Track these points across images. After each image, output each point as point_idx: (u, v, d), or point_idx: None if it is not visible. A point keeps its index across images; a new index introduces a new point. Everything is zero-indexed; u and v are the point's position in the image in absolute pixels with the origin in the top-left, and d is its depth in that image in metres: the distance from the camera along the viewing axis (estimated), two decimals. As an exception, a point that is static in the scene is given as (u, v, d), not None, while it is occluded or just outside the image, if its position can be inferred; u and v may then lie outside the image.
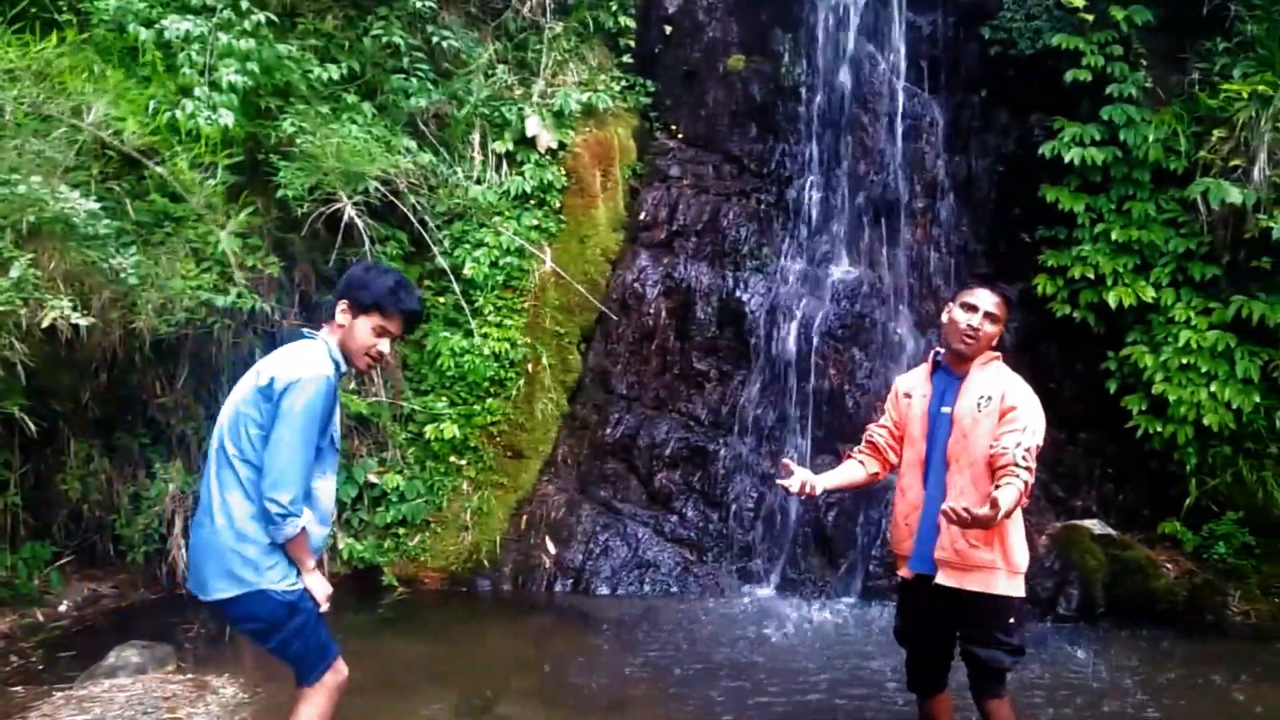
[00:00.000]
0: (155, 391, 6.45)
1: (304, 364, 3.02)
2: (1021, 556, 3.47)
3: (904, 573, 3.69)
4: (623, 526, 6.83)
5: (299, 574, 3.14)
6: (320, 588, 3.17)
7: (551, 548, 6.79)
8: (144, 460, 6.56)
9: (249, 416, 3.03)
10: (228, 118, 5.57)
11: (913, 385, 3.73)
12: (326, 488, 3.20)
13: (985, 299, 3.54)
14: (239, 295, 5.73)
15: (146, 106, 5.41)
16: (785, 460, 3.76)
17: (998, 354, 3.62)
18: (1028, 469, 3.22)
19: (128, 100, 5.40)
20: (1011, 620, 3.47)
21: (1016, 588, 3.47)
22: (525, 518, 6.93)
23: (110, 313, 5.50)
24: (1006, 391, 3.44)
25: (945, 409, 3.55)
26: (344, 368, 3.19)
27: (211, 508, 3.08)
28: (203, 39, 5.73)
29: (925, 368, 3.71)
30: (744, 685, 5.02)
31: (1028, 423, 3.35)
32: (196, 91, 5.60)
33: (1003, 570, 3.44)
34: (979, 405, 3.45)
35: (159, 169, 5.44)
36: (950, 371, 3.60)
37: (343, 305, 3.14)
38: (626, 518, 6.88)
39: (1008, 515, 3.16)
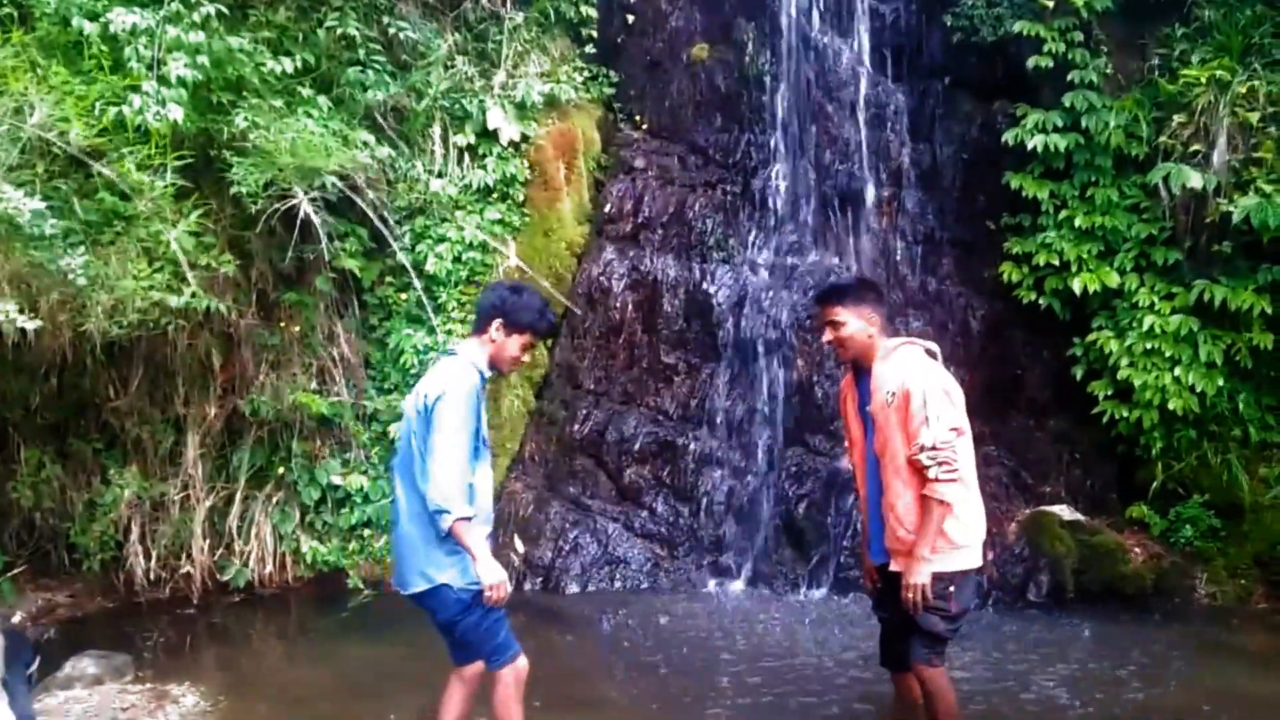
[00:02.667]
0: (108, 395, 6.32)
1: (449, 379, 3.40)
2: (960, 532, 3.57)
3: (873, 562, 3.87)
4: (592, 523, 6.77)
5: (468, 568, 3.38)
6: (489, 574, 3.30)
7: (520, 546, 6.71)
8: (98, 466, 6.44)
9: (416, 430, 3.45)
10: (177, 113, 5.42)
11: (847, 389, 3.97)
12: (483, 480, 3.50)
13: (822, 314, 3.78)
14: (193, 295, 5.59)
15: (93, 106, 5.25)
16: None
17: (902, 340, 3.74)
18: (940, 464, 3.42)
19: (73, 98, 5.24)
20: (950, 588, 3.57)
21: (957, 561, 3.58)
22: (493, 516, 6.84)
23: (59, 315, 5.37)
24: (904, 383, 3.54)
25: (867, 408, 3.74)
26: (488, 375, 3.57)
27: (399, 510, 3.52)
28: (150, 32, 5.56)
29: (850, 372, 3.94)
30: (714, 680, 4.98)
31: (928, 412, 3.47)
32: (145, 86, 5.45)
33: (943, 546, 3.55)
34: (887, 402, 3.59)
35: (105, 170, 5.28)
36: (863, 371, 3.78)
37: (498, 323, 3.52)
38: (596, 514, 6.81)
39: (927, 543, 3.49)
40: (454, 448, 3.30)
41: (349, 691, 4.83)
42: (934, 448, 3.43)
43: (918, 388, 3.50)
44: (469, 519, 3.28)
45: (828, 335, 3.76)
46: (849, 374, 3.92)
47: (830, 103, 7.51)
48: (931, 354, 3.68)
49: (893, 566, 3.67)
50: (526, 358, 3.69)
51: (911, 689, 3.85)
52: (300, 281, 6.67)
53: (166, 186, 5.44)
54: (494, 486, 6.75)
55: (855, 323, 3.67)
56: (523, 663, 3.58)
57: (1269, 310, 6.05)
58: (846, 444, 4.07)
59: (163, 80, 5.49)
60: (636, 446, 6.93)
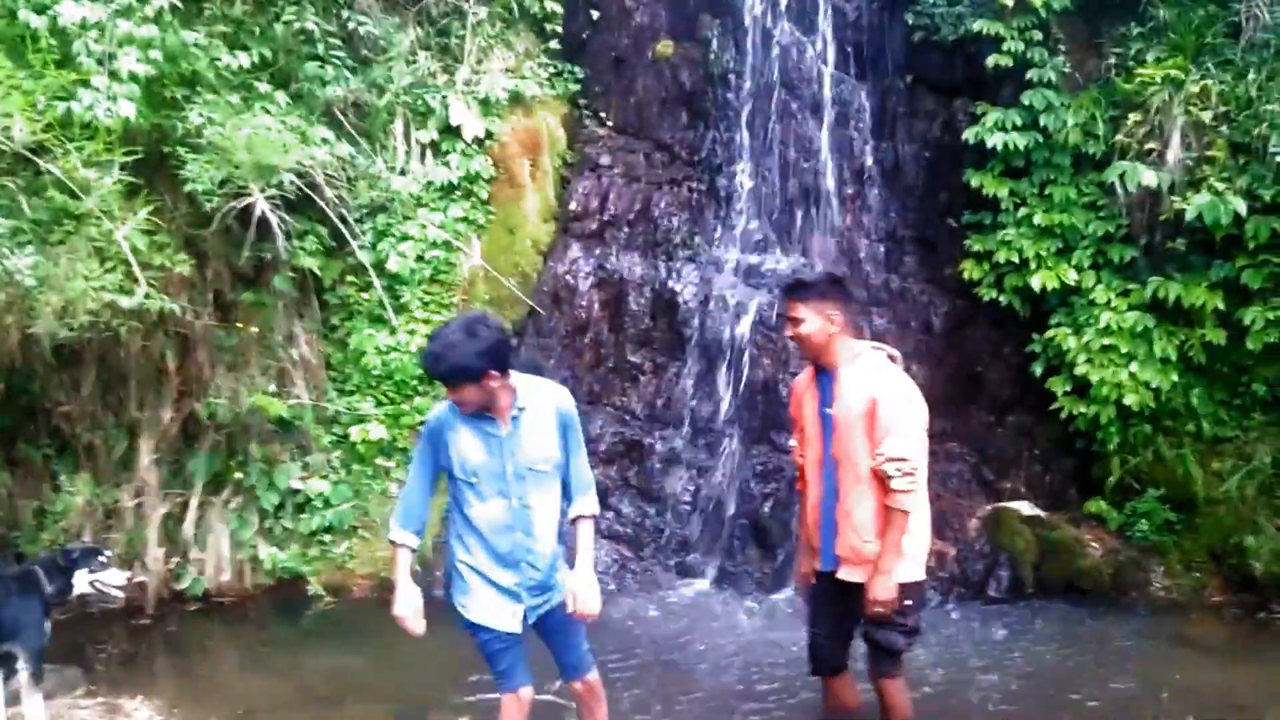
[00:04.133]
0: (59, 399, 6.15)
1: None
2: (913, 542, 3.58)
3: (815, 565, 3.79)
4: (558, 526, 6.71)
5: (463, 598, 3.44)
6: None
7: (485, 548, 6.64)
8: (48, 472, 6.26)
9: None
10: (129, 109, 5.26)
11: (804, 388, 3.86)
12: (482, 516, 3.42)
13: (786, 308, 3.69)
14: (146, 296, 5.44)
15: (36, 103, 5.08)
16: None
17: (869, 345, 3.71)
18: (904, 475, 3.42)
19: (20, 92, 5.07)
20: (908, 603, 3.57)
21: (911, 572, 3.58)
22: (458, 518, 6.77)
23: (6, 317, 5.22)
24: (874, 391, 3.52)
25: (827, 409, 3.66)
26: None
27: None
28: (101, 26, 5.39)
29: (810, 370, 3.83)
30: (680, 680, 4.98)
31: (895, 422, 3.46)
32: (95, 81, 5.29)
33: None
34: (851, 406, 3.55)
35: (51, 167, 5.12)
36: (826, 371, 3.70)
37: None
38: (561, 515, 6.76)
39: (893, 554, 3.49)
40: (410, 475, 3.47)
41: (308, 702, 4.76)
42: (901, 458, 3.43)
43: (888, 397, 3.49)
44: (393, 541, 3.42)
45: (788, 330, 3.71)
46: (810, 371, 3.84)
47: (794, 100, 7.53)
48: (893, 359, 3.69)
49: (841, 574, 3.62)
50: (451, 398, 3.31)
51: (843, 696, 3.89)
52: (258, 281, 6.52)
53: (114, 184, 5.29)
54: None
55: (814, 320, 3.60)
56: (525, 693, 3.49)
57: (1221, 306, 6.17)
58: (795, 441, 3.97)
59: (114, 75, 5.33)
60: (603, 446, 6.90)
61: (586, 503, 3.50)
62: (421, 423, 6.56)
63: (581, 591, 3.31)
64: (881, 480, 3.48)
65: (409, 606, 3.35)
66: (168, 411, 6.33)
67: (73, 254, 5.31)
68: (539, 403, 3.36)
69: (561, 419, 3.40)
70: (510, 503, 3.33)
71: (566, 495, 3.50)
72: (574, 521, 3.49)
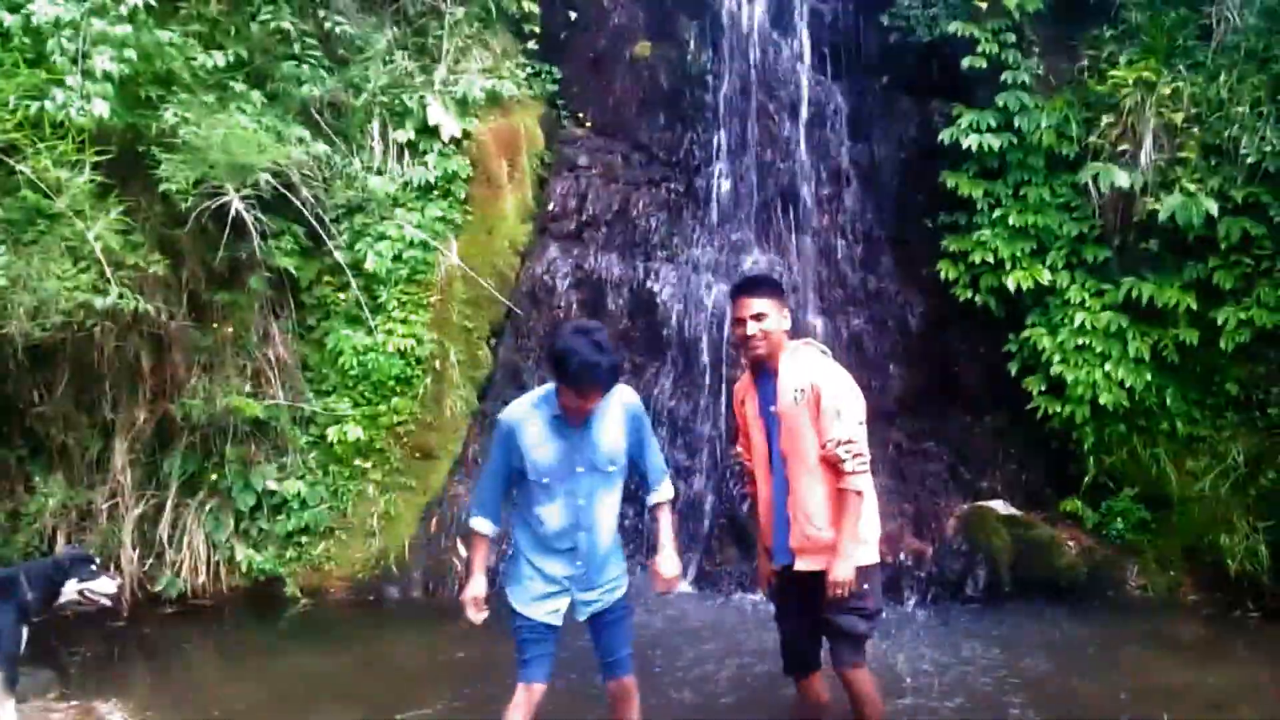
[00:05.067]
0: (32, 400, 6.12)
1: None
2: (866, 527, 3.64)
3: (774, 565, 3.82)
4: (537, 524, 6.71)
5: (513, 585, 3.57)
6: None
7: (463, 551, 6.63)
8: (22, 474, 6.22)
9: None
10: (103, 108, 5.26)
11: (744, 391, 3.88)
12: (548, 514, 3.51)
13: (747, 306, 3.63)
14: (120, 296, 5.42)
15: (7, 102, 5.06)
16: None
17: (805, 340, 3.77)
18: (855, 457, 3.49)
19: (-8, 90, 5.06)
20: (865, 585, 3.60)
21: (865, 555, 3.62)
22: (436, 520, 6.74)
23: (-23, 317, 5.17)
24: (814, 380, 3.57)
25: (772, 408, 3.69)
26: (557, 412, 3.46)
27: None
28: (75, 24, 5.39)
29: (748, 373, 3.86)
30: (658, 682, 4.97)
31: (839, 407, 3.52)
32: (69, 80, 5.27)
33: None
34: (795, 399, 3.59)
35: (22, 167, 5.08)
36: (766, 372, 3.71)
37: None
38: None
39: (850, 537, 3.53)
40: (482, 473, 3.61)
41: (284, 705, 4.72)
42: (848, 440, 3.50)
43: (828, 384, 3.56)
44: (472, 529, 3.59)
45: (752, 328, 3.60)
46: (747, 374, 3.86)
47: (771, 101, 7.56)
48: (824, 353, 3.75)
49: (798, 565, 3.66)
50: (590, 405, 3.35)
51: (816, 693, 3.91)
52: (234, 281, 6.49)
53: (86, 183, 5.26)
54: (438, 489, 6.78)
55: (776, 317, 3.63)
56: (537, 689, 3.56)
57: (1194, 306, 6.22)
58: (740, 446, 4.00)
59: (88, 74, 5.32)
60: (581, 446, 6.88)
61: (664, 490, 3.67)
62: (399, 423, 6.66)
63: (666, 566, 3.56)
64: (832, 466, 3.54)
65: (470, 594, 3.53)
66: (142, 412, 6.31)
67: (46, 254, 5.29)
68: (607, 402, 3.44)
69: (630, 414, 3.52)
70: (577, 500, 3.44)
71: (645, 486, 3.67)
72: (654, 509, 3.69)
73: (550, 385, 3.44)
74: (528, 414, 3.43)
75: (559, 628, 3.57)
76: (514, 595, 3.56)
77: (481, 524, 3.57)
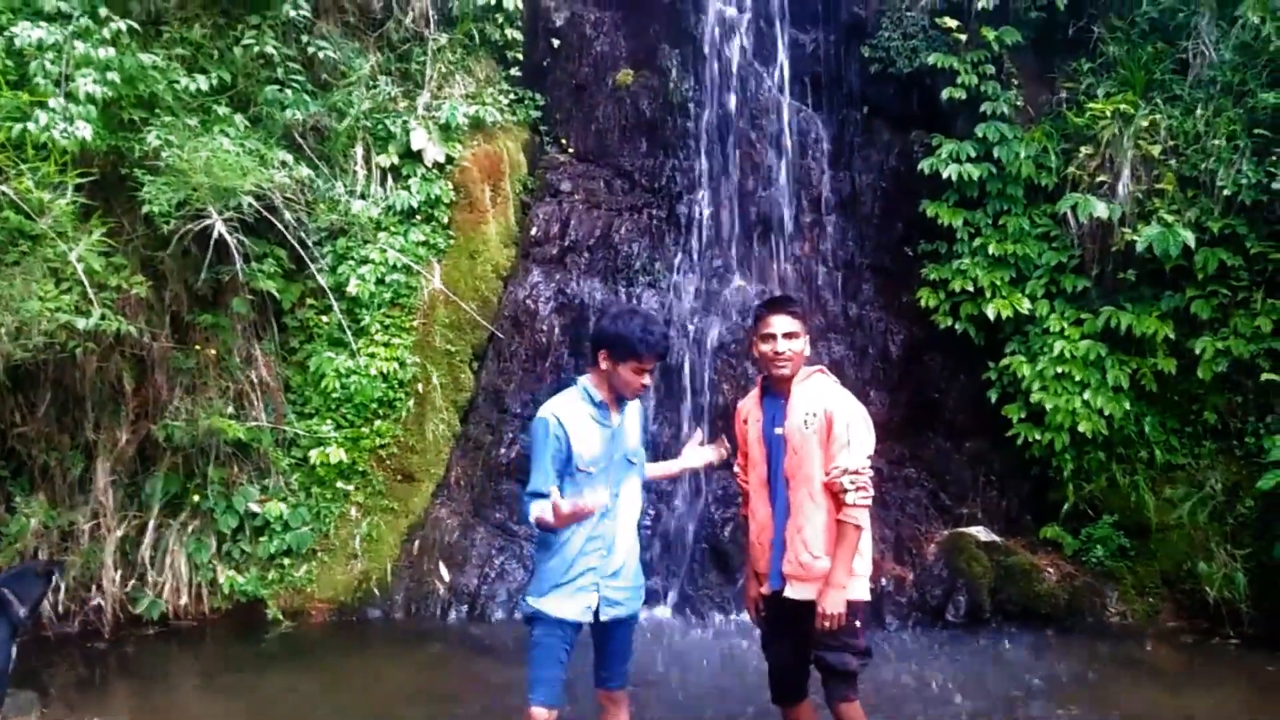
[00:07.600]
0: (14, 420, 6.11)
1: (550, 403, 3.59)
2: (861, 562, 3.61)
3: (764, 589, 3.78)
4: (519, 549, 6.71)
5: (540, 592, 3.54)
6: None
7: (445, 573, 6.61)
8: (3, 494, 6.22)
9: None
10: (86, 130, 5.28)
11: (749, 410, 3.85)
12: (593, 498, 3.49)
13: (779, 324, 3.63)
14: (102, 317, 5.43)
15: (-9, 122, 5.09)
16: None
17: (819, 367, 3.76)
18: (858, 489, 3.46)
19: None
20: (857, 623, 3.58)
21: (858, 590, 3.59)
22: (418, 543, 6.74)
23: (-41, 338, 5.17)
24: (827, 406, 3.57)
25: (778, 430, 3.67)
26: (600, 398, 3.57)
27: None
28: (58, 47, 5.43)
29: (756, 392, 3.84)
30: (641, 706, 4.94)
31: (850, 436, 3.52)
32: (51, 103, 5.30)
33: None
34: (805, 423, 3.58)
35: (4, 188, 5.10)
36: (776, 393, 3.71)
37: (603, 354, 3.53)
38: (522, 540, 6.75)
39: (844, 569, 3.50)
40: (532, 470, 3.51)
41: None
42: (856, 471, 3.48)
43: (841, 412, 3.54)
44: (541, 493, 3.46)
45: (780, 347, 3.59)
46: (754, 393, 3.83)
47: (753, 130, 7.63)
48: (836, 382, 3.73)
49: (788, 593, 3.62)
50: (647, 380, 3.55)
51: None
52: (216, 303, 6.51)
53: (69, 204, 5.28)
54: (420, 512, 6.76)
55: (804, 340, 3.66)
56: (553, 715, 3.51)
57: (1171, 336, 6.28)
58: (738, 465, 3.96)
59: (71, 97, 5.35)
60: (562, 470, 6.89)
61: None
62: (381, 445, 6.66)
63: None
64: (834, 495, 3.51)
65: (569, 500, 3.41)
66: (125, 433, 6.29)
67: (28, 275, 5.31)
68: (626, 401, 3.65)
69: (640, 412, 3.76)
70: (611, 489, 3.55)
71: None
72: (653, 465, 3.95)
73: (583, 381, 3.58)
74: (572, 407, 3.53)
75: (576, 640, 3.57)
76: (542, 603, 3.52)
77: (545, 489, 3.44)
